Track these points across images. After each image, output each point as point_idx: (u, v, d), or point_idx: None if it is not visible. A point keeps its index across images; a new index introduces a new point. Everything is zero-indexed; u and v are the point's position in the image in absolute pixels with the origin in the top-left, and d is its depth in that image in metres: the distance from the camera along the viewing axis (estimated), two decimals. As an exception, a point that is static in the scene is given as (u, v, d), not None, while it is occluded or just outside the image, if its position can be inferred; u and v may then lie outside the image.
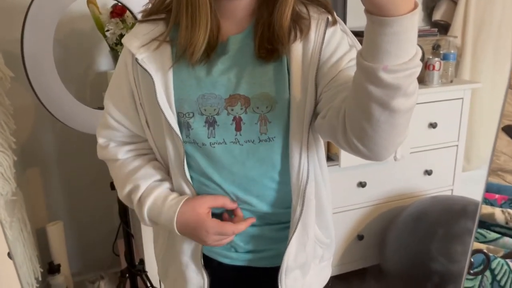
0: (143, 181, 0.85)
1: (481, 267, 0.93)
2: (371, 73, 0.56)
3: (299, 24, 0.76)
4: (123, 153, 0.89)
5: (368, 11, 0.54)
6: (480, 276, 0.93)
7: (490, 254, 0.98)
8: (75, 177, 1.97)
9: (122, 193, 0.87)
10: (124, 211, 1.64)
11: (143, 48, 0.78)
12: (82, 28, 1.78)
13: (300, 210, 0.81)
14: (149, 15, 0.82)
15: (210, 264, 0.89)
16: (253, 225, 0.86)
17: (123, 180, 0.87)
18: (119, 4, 1.58)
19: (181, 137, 0.80)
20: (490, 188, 1.44)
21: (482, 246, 1.14)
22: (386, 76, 0.55)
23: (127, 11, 1.56)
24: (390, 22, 0.52)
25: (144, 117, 0.84)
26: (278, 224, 0.87)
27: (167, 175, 0.88)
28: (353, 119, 0.64)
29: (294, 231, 0.82)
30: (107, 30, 1.58)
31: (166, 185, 0.85)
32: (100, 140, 0.90)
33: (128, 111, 0.85)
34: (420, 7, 0.55)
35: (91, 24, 1.64)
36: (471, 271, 0.79)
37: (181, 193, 0.84)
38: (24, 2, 1.33)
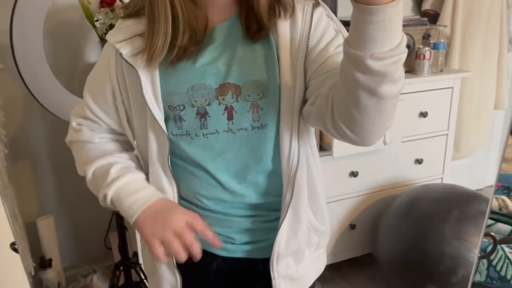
0: (119, 160, 0.85)
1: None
2: (358, 61, 0.57)
3: (282, 3, 0.77)
4: (98, 138, 0.89)
5: (354, 0, 0.55)
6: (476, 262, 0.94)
7: (492, 234, 1.00)
8: (66, 170, 1.95)
9: (92, 165, 0.84)
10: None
11: (127, 43, 0.78)
12: (71, 18, 1.75)
13: (290, 196, 0.81)
14: (128, 8, 0.81)
15: (206, 258, 0.87)
16: (246, 216, 0.86)
17: (97, 156, 0.85)
18: (108, -7, 1.55)
19: (166, 132, 0.80)
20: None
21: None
22: (373, 64, 0.56)
23: (117, 1, 1.53)
24: (376, 10, 0.53)
25: (124, 114, 0.84)
26: (272, 211, 0.87)
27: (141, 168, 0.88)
28: (341, 106, 0.65)
29: (284, 217, 0.83)
30: (97, 20, 1.55)
31: (142, 174, 0.85)
32: (74, 123, 0.89)
33: (108, 108, 0.85)
34: (406, 2, 0.56)
35: (80, 14, 1.61)
36: (479, 255, 0.80)
37: (159, 187, 0.84)
38: (12, -9, 1.31)
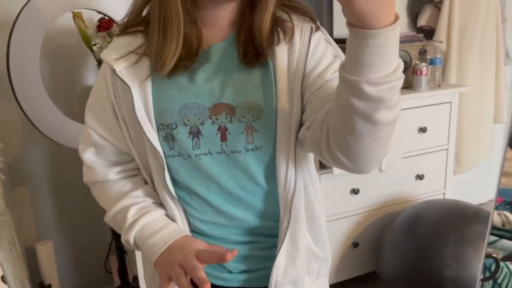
0: (135, 200, 0.83)
1: (489, 273, 0.93)
2: (354, 86, 0.56)
3: (282, 27, 0.76)
4: (113, 174, 0.86)
5: (350, 24, 0.54)
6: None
7: (494, 255, 0.98)
8: (64, 194, 1.94)
9: (111, 211, 0.84)
10: (116, 227, 1.61)
11: (121, 60, 0.77)
12: (68, 43, 1.76)
13: (287, 221, 0.79)
14: (126, 28, 0.81)
15: None
16: (243, 243, 0.84)
17: (114, 199, 0.84)
18: (106, 17, 1.56)
19: (160, 151, 0.78)
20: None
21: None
22: (369, 89, 0.56)
23: (114, 25, 1.55)
24: (372, 34, 0.53)
25: (127, 133, 0.81)
26: (269, 237, 0.84)
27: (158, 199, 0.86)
28: (337, 132, 0.64)
29: (282, 244, 0.80)
30: (94, 44, 1.56)
31: (161, 211, 0.83)
32: (87, 158, 0.85)
33: (112, 127, 0.82)
34: (404, 12, 0.56)
35: (78, 38, 1.62)
36: (481, 277, 0.79)
37: (169, 214, 0.82)
38: (9, 16, 1.32)
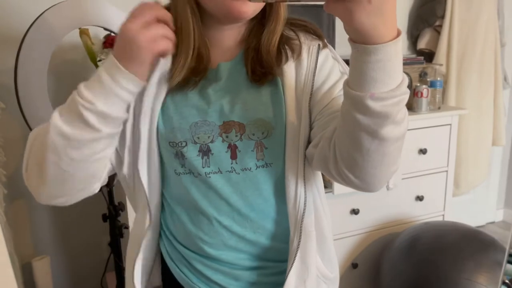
0: None
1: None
2: (358, 101, 0.56)
3: (289, 45, 0.77)
4: None
5: (352, 40, 0.55)
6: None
7: (507, 281, 0.97)
8: (62, 210, 1.92)
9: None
10: (115, 242, 1.60)
11: None
12: (74, 59, 1.77)
13: (297, 241, 0.77)
14: None
15: None
16: (252, 269, 0.82)
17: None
18: (112, 34, 1.58)
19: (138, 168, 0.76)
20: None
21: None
22: (374, 104, 0.55)
23: (120, 41, 1.56)
24: (374, 49, 0.53)
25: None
26: (279, 262, 0.82)
27: None
28: (343, 149, 0.63)
29: (292, 264, 0.78)
30: (100, 60, 1.57)
31: None
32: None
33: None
34: (404, 36, 0.56)
35: (84, 54, 1.63)
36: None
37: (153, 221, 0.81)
38: (18, 33, 1.33)
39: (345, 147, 0.62)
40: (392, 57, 0.54)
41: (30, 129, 1.35)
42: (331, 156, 0.66)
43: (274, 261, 0.83)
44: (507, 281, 0.95)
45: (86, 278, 2.00)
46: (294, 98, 0.75)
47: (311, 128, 0.75)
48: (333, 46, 2.14)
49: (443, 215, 2.24)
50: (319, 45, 0.77)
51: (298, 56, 0.76)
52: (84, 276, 2.00)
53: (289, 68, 0.76)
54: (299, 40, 0.77)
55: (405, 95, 0.57)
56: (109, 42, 1.58)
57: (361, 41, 0.53)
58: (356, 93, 0.56)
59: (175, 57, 0.75)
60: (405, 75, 0.57)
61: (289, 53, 0.76)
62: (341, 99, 0.70)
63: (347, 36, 0.56)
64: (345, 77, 0.76)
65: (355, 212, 2.01)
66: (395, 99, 0.56)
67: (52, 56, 1.45)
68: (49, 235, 1.94)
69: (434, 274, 1.73)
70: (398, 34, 0.54)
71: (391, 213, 2.11)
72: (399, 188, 2.05)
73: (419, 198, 2.14)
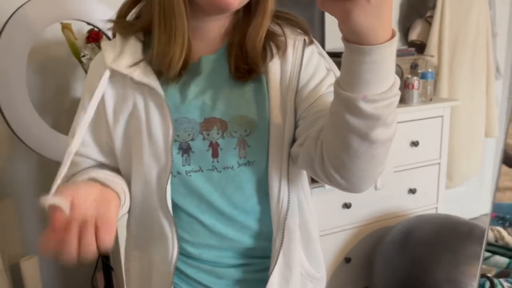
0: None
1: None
2: (350, 103, 0.55)
3: (275, 41, 0.75)
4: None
5: (346, 40, 0.53)
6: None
7: (488, 275, 0.96)
8: (51, 209, 1.90)
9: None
10: (103, 243, 1.58)
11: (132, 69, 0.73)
12: (57, 54, 1.74)
13: (280, 241, 0.76)
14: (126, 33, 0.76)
15: None
16: (235, 266, 0.81)
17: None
18: (95, 29, 1.55)
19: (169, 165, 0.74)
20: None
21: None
22: (366, 106, 0.54)
23: (103, 36, 1.53)
24: (369, 50, 0.51)
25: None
26: (263, 258, 0.81)
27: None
28: (331, 150, 0.62)
29: (275, 264, 0.77)
30: (83, 56, 1.54)
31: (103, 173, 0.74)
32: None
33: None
34: (395, 27, 0.54)
35: (67, 49, 1.60)
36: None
37: (157, 227, 0.77)
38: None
39: (332, 147, 0.61)
40: (387, 59, 0.52)
41: (10, 128, 1.32)
42: (317, 156, 0.65)
43: (258, 257, 0.81)
44: (488, 274, 0.94)
45: (77, 278, 1.98)
46: (279, 95, 0.73)
47: (296, 127, 0.74)
48: (323, 41, 2.12)
49: (436, 207, 2.23)
50: (304, 40, 0.75)
51: (283, 53, 0.74)
52: (74, 276, 1.98)
53: (274, 65, 0.74)
54: (285, 36, 0.75)
55: (397, 96, 0.56)
56: (92, 36, 1.56)
57: (356, 41, 0.51)
58: (348, 94, 0.54)
59: (165, 52, 0.71)
60: (396, 77, 0.56)
61: (274, 50, 0.74)
62: (328, 97, 0.69)
63: (338, 30, 0.53)
64: (331, 74, 0.75)
65: (347, 206, 1.99)
66: (387, 101, 0.55)
67: (35, 52, 1.43)
68: (38, 235, 1.92)
69: (428, 267, 1.72)
70: (393, 35, 0.53)
71: (384, 206, 2.09)
72: (391, 181, 2.03)
73: (412, 191, 2.13)
